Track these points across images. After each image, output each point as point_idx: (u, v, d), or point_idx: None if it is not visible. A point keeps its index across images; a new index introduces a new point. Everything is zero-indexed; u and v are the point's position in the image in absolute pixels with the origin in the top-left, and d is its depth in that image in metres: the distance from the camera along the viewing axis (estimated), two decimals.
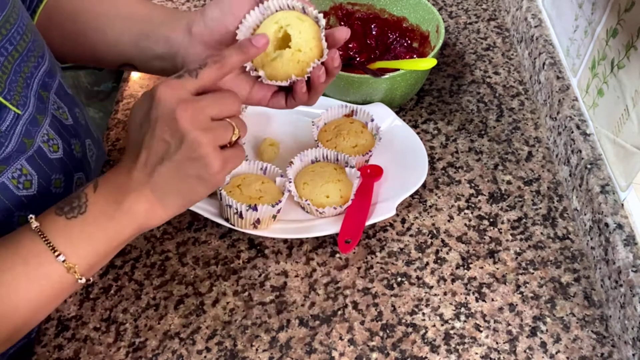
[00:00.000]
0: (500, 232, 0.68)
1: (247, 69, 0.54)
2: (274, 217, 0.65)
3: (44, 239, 0.46)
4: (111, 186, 0.49)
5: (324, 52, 0.53)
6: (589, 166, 0.66)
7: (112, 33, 0.59)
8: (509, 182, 0.73)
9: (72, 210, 0.47)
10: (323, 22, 0.53)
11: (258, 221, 0.63)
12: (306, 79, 0.54)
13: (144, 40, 0.58)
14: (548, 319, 0.60)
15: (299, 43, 0.52)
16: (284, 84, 0.54)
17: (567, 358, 0.57)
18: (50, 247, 0.46)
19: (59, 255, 0.46)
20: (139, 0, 0.61)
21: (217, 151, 0.47)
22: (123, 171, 0.49)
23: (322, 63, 0.54)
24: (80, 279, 0.48)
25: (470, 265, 0.65)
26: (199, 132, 0.45)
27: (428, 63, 0.74)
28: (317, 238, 0.68)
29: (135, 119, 0.48)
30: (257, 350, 0.58)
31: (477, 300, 0.62)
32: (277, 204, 0.63)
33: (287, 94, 0.57)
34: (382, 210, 0.66)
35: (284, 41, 0.53)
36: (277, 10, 0.54)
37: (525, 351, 0.58)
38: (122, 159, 0.50)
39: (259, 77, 0.54)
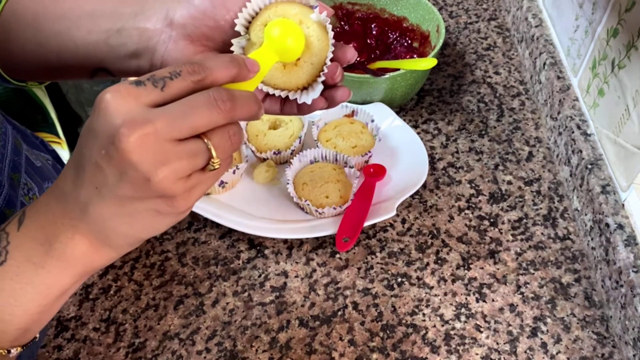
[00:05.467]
0: (501, 233, 0.68)
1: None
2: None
3: None
4: (42, 219, 0.38)
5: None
6: (589, 166, 0.65)
7: (78, 35, 0.49)
8: (509, 183, 0.73)
9: None
10: (331, 33, 0.45)
11: (221, 182, 0.69)
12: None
13: (114, 37, 0.47)
14: (548, 320, 0.60)
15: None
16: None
17: (568, 358, 0.57)
18: None
19: None
20: None
21: (177, 184, 0.36)
22: (57, 195, 0.38)
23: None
24: (9, 351, 0.38)
25: (471, 266, 0.65)
26: (149, 166, 0.34)
27: (428, 63, 0.74)
28: (317, 238, 0.67)
29: (85, 124, 0.37)
30: (257, 350, 0.58)
31: (477, 300, 0.62)
32: (237, 169, 0.68)
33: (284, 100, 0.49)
34: (383, 211, 0.66)
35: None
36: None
37: (525, 352, 0.58)
38: (60, 175, 0.39)
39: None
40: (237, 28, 0.45)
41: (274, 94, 0.47)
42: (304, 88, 0.46)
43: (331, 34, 0.45)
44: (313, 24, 0.44)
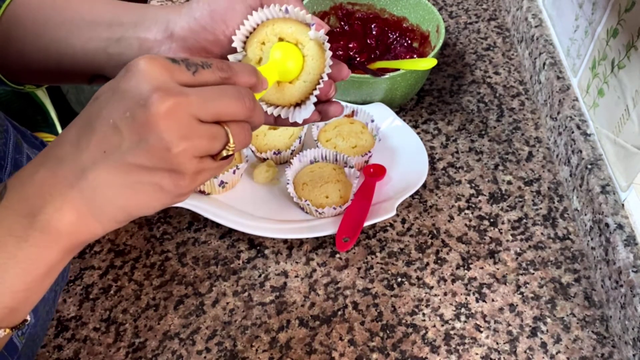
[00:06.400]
0: (501, 233, 0.68)
1: None
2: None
3: None
4: (26, 190, 0.36)
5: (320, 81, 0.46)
6: (589, 166, 0.65)
7: (78, 42, 0.50)
8: (509, 183, 0.73)
9: None
10: (329, 53, 0.46)
11: (222, 182, 0.69)
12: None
13: (114, 46, 0.48)
14: (548, 320, 0.60)
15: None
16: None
17: (568, 358, 0.57)
18: None
19: None
20: (105, 2, 0.52)
21: (191, 162, 0.36)
22: (48, 163, 0.36)
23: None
24: None
25: (471, 266, 0.65)
26: (173, 136, 0.35)
27: (428, 63, 0.74)
28: (317, 238, 0.67)
29: (103, 87, 0.37)
30: (257, 350, 0.58)
31: (477, 300, 0.62)
32: (237, 169, 0.69)
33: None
34: (383, 211, 0.66)
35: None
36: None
37: (525, 352, 0.58)
38: (53, 143, 0.37)
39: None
40: (234, 44, 0.46)
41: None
42: (297, 104, 0.47)
43: (329, 53, 0.45)
44: (309, 42, 0.45)
